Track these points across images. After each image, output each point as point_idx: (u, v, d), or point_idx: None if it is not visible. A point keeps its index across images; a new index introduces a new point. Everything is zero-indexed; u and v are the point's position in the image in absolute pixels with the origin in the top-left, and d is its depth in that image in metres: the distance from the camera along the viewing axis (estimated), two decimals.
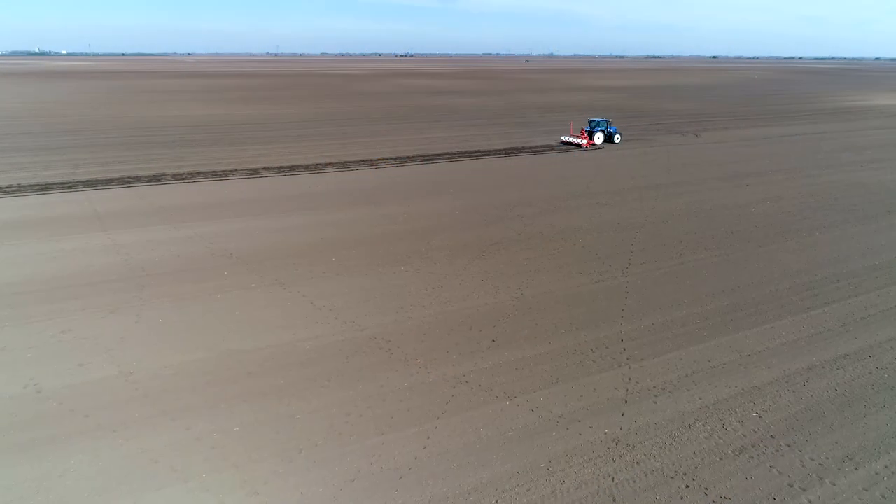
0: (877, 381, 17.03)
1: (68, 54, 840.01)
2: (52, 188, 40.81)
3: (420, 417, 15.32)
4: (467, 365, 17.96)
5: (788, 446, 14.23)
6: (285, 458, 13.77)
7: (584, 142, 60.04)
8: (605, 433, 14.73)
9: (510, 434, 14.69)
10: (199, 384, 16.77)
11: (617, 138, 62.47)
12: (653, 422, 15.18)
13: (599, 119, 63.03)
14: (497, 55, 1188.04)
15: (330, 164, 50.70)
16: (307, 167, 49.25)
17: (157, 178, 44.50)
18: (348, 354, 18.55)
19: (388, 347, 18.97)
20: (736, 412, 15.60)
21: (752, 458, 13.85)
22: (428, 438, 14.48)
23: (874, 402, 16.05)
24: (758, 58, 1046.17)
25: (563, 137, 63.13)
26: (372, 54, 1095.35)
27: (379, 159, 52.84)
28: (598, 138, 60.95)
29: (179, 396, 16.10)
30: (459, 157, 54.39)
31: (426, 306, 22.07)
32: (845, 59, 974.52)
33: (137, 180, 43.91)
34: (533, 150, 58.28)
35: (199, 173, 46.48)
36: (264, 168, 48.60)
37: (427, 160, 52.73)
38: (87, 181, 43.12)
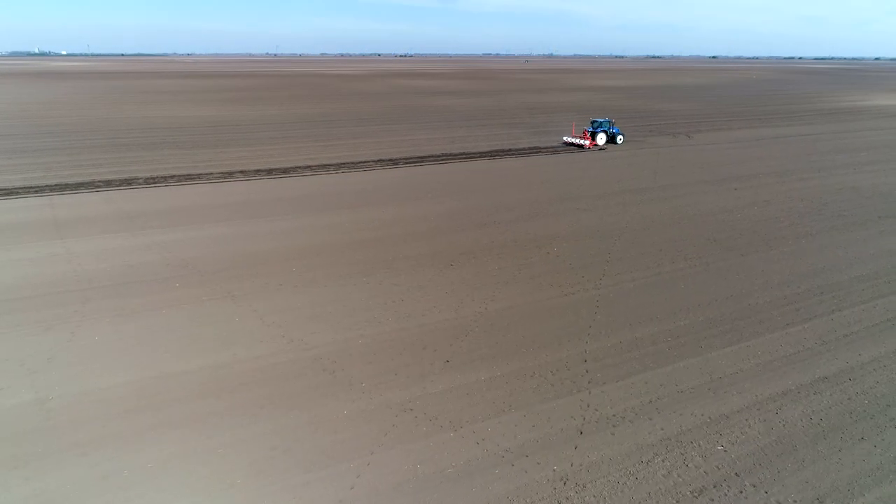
0: (856, 409, 15.68)
1: (68, 55, 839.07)
2: (17, 193, 39.53)
3: (353, 451, 14.00)
4: (415, 389, 16.64)
5: (754, 486, 12.90)
6: (194, 501, 12.43)
7: (587, 142, 59.04)
8: (554, 470, 13.40)
9: (449, 472, 13.36)
10: (119, 412, 15.45)
11: (619, 139, 61.50)
12: (607, 457, 13.85)
13: (602, 119, 62.07)
14: (497, 55, 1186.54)
15: (309, 166, 49.43)
16: (285, 170, 47.96)
17: (129, 182, 43.22)
18: (288, 377, 17.22)
19: (332, 369, 17.65)
20: (700, 445, 14.26)
21: (713, 500, 12.51)
22: (357, 477, 13.16)
23: (851, 433, 14.70)
24: (757, 58, 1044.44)
25: (565, 138, 62.11)
26: (372, 54, 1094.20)
27: (360, 162, 51.55)
28: (601, 139, 60.03)
29: (94, 428, 14.78)
30: (443, 159, 53.09)
31: (382, 322, 20.74)
32: (845, 59, 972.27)
33: (108, 184, 42.62)
34: (520, 152, 56.95)
35: (172, 177, 45.19)
36: (240, 171, 47.30)
37: (409, 163, 51.43)
38: (56, 185, 41.83)
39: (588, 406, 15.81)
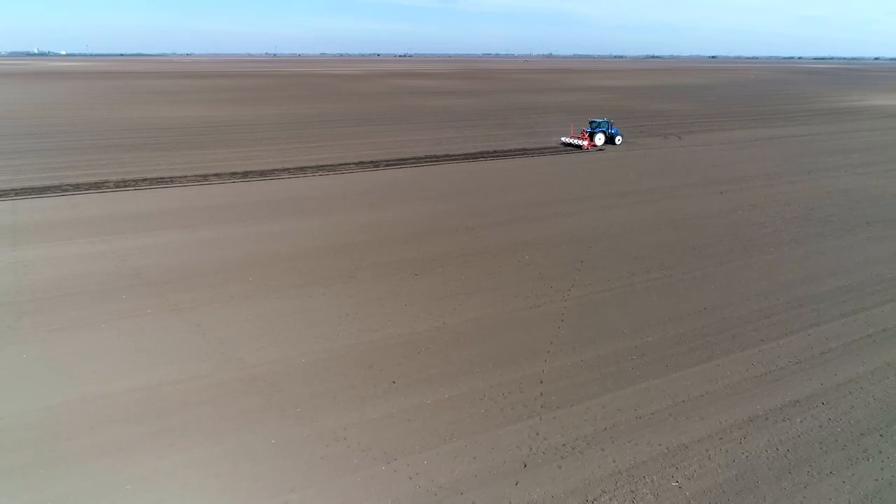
0: (826, 438, 14.43)
1: (67, 55, 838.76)
2: None
3: (270, 491, 12.78)
4: (353, 415, 15.41)
5: None
6: None
7: (585, 143, 58.11)
8: None
9: None
10: (28, 441, 14.25)
11: (618, 139, 60.64)
12: (550, 494, 12.62)
13: (600, 120, 61.20)
14: (497, 55, 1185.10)
15: (288, 169, 48.21)
16: (262, 173, 46.75)
17: (98, 186, 42.02)
18: (219, 401, 16.00)
19: (268, 392, 16.42)
20: (653, 480, 13.03)
21: None
22: None
23: (820, 466, 13.46)
24: (757, 58, 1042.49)
25: (563, 139, 61.21)
26: (371, 54, 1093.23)
27: (341, 164, 50.36)
28: (599, 139, 59.15)
29: None
30: (426, 162, 51.86)
31: (331, 338, 19.52)
32: (844, 59, 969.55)
33: (76, 188, 41.43)
34: (506, 154, 55.71)
35: (145, 180, 44.01)
36: (215, 174, 46.08)
37: (392, 165, 50.22)
38: (23, 189, 40.63)
39: (537, 434, 14.58)
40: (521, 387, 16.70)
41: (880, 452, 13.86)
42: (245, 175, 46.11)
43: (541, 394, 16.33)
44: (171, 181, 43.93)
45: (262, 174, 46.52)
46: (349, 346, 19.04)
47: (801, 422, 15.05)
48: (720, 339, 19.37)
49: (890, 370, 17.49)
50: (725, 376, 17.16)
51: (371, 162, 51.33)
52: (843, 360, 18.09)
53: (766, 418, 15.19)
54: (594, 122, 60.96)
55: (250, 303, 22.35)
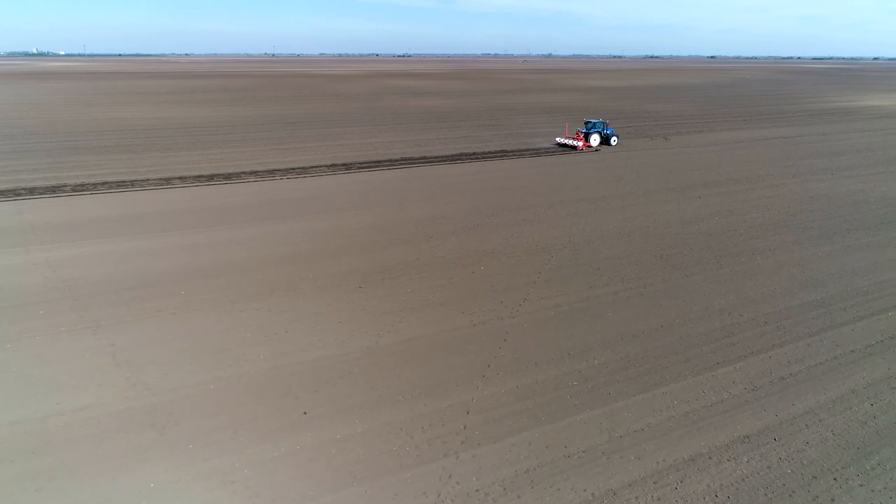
0: (774, 482, 12.86)
1: (66, 55, 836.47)
2: None
3: None
4: (250, 452, 13.83)
5: None
6: None
7: (580, 144, 57.23)
8: None
9: None
10: None
11: (614, 140, 59.86)
12: None
13: (595, 121, 60.38)
14: (496, 55, 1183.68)
15: (255, 172, 46.63)
16: (228, 176, 45.17)
17: (54, 190, 40.44)
18: (108, 435, 14.43)
19: (163, 424, 14.84)
20: None
21: None
22: None
23: None
24: (756, 57, 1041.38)
25: (558, 139, 60.40)
26: (370, 55, 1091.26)
27: (312, 167, 48.84)
28: (594, 140, 58.35)
29: None
30: (401, 164, 50.33)
31: (250, 361, 17.94)
32: (843, 58, 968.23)
33: (31, 192, 39.87)
34: (485, 155, 54.19)
35: (105, 184, 42.44)
36: (179, 178, 44.51)
37: (364, 168, 48.68)
38: None
39: (450, 477, 13.00)
40: (445, 419, 15.13)
41: (832, 501, 12.29)
42: (210, 178, 44.57)
43: (464, 427, 14.76)
44: (132, 185, 42.39)
45: (227, 177, 44.97)
46: (268, 369, 17.47)
47: (747, 462, 13.48)
48: (672, 362, 17.80)
49: (854, 399, 15.93)
50: (672, 406, 15.58)
51: (344, 164, 49.80)
52: (803, 386, 16.52)
53: (710, 457, 13.62)
54: (589, 122, 60.17)
55: (176, 319, 20.78)
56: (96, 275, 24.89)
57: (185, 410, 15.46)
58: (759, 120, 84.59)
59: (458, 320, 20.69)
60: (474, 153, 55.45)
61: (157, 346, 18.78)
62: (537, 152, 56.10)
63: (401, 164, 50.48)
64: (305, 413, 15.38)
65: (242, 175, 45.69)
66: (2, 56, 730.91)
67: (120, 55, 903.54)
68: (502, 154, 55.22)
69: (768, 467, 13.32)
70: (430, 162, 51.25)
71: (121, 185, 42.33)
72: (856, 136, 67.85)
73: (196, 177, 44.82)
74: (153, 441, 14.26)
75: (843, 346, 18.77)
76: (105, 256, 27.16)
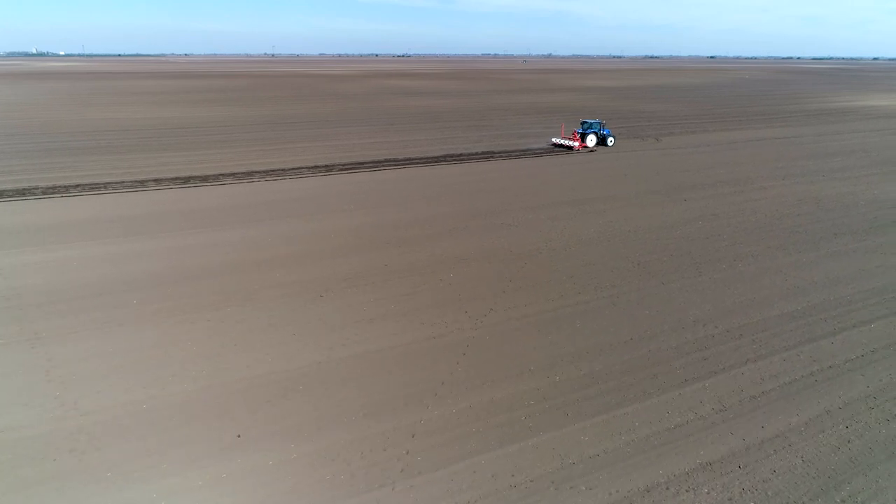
0: None
1: (66, 55, 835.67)
2: None
3: None
4: (172, 481, 12.81)
5: None
6: None
7: (576, 144, 56.61)
8: None
9: None
10: None
11: (610, 141, 59.14)
12: None
13: (592, 121, 59.76)
14: (495, 55, 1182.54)
15: (234, 174, 45.61)
16: (205, 178, 44.16)
17: (24, 193, 39.44)
18: (22, 461, 13.43)
19: (85, 449, 13.82)
20: None
21: None
22: None
23: None
24: (756, 58, 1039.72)
25: (554, 139, 59.81)
26: (370, 55, 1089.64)
27: (294, 168, 47.82)
28: (591, 140, 57.77)
29: None
30: (385, 165, 49.28)
31: (191, 377, 16.91)
32: (843, 59, 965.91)
33: (0, 195, 38.83)
34: (471, 157, 53.17)
35: (77, 186, 41.43)
36: (154, 180, 43.50)
37: (346, 169, 47.66)
38: None
39: None
40: (388, 443, 14.08)
41: None
42: (187, 180, 43.58)
43: (406, 452, 13.72)
44: (105, 187, 41.38)
45: (204, 179, 43.96)
46: (208, 387, 16.44)
47: (707, 493, 12.43)
48: (638, 379, 16.75)
49: (828, 421, 14.87)
50: (632, 429, 14.54)
51: (325, 166, 48.79)
52: (775, 406, 15.48)
53: (667, 487, 12.58)
54: (586, 122, 59.61)
55: (122, 332, 19.76)
56: (51, 283, 23.89)
57: (111, 433, 14.44)
58: (755, 120, 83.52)
59: (418, 332, 19.65)
60: (461, 154, 54.43)
61: (96, 361, 17.76)
62: (524, 154, 55.07)
63: (384, 165, 49.46)
64: (239, 436, 14.36)
65: (220, 177, 44.70)
66: (2, 56, 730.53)
67: (119, 55, 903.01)
68: (489, 155, 54.17)
69: (729, 499, 12.27)
70: (415, 163, 50.23)
71: (94, 187, 41.35)
72: (851, 137, 66.79)
73: (173, 179, 43.87)
74: (69, 469, 13.24)
75: (821, 362, 17.72)
76: (63, 263, 26.16)
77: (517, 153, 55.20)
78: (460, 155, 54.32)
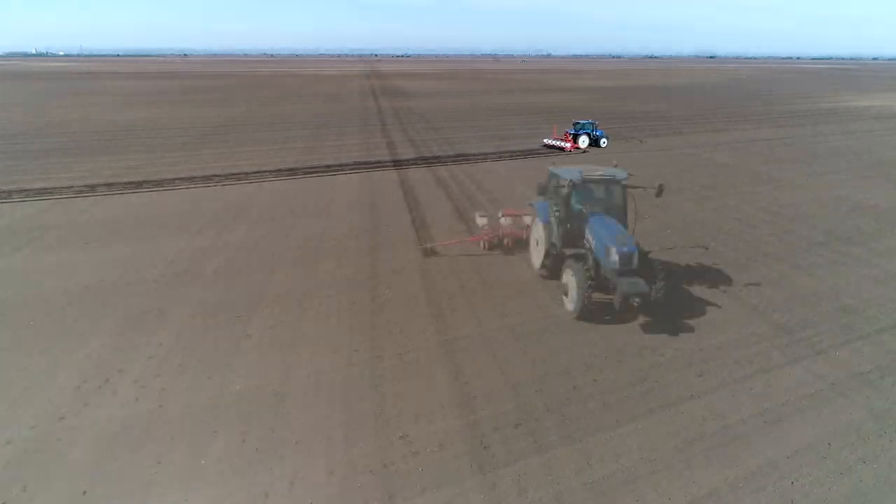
0: None
1: (65, 55, 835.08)
2: None
3: None
4: None
5: None
6: None
7: (568, 145, 55.19)
8: None
9: None
10: None
11: (603, 142, 57.81)
12: None
13: (584, 122, 58.08)
14: (495, 55, 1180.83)
15: (192, 178, 43.66)
16: (159, 182, 42.20)
17: None
18: None
19: None
20: None
21: None
22: None
23: None
24: (756, 57, 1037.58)
25: (545, 140, 58.34)
26: (370, 54, 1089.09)
27: (255, 172, 45.85)
28: (583, 141, 56.48)
29: None
30: (350, 169, 47.31)
31: (22, 424, 14.77)
32: (843, 58, 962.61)
33: None
34: (445, 160, 51.01)
35: (21, 191, 39.51)
36: (106, 185, 41.54)
37: (310, 173, 45.75)
38: None
39: None
40: None
41: None
42: (139, 185, 41.63)
43: None
44: (51, 192, 39.44)
45: (159, 183, 41.98)
46: (36, 438, 14.31)
47: None
48: (563, 420, 14.70)
49: (772, 475, 12.78)
50: (542, 484, 12.49)
51: (289, 170, 46.86)
52: (712, 455, 13.41)
53: None
54: (578, 123, 58.07)
55: None
56: None
57: None
58: (744, 121, 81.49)
59: (326, 361, 17.57)
60: (432, 157, 52.32)
61: None
62: (500, 156, 52.98)
63: (349, 168, 47.50)
64: (85, 493, 12.25)
65: (177, 181, 42.74)
66: (2, 56, 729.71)
67: (118, 55, 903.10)
68: (465, 158, 52.09)
69: None
70: (384, 167, 48.26)
71: (40, 192, 39.65)
72: (840, 139, 64.61)
73: (126, 183, 42.07)
74: None
75: (774, 398, 15.61)
76: None
77: (492, 156, 53.23)
78: (437, 157, 52.27)
